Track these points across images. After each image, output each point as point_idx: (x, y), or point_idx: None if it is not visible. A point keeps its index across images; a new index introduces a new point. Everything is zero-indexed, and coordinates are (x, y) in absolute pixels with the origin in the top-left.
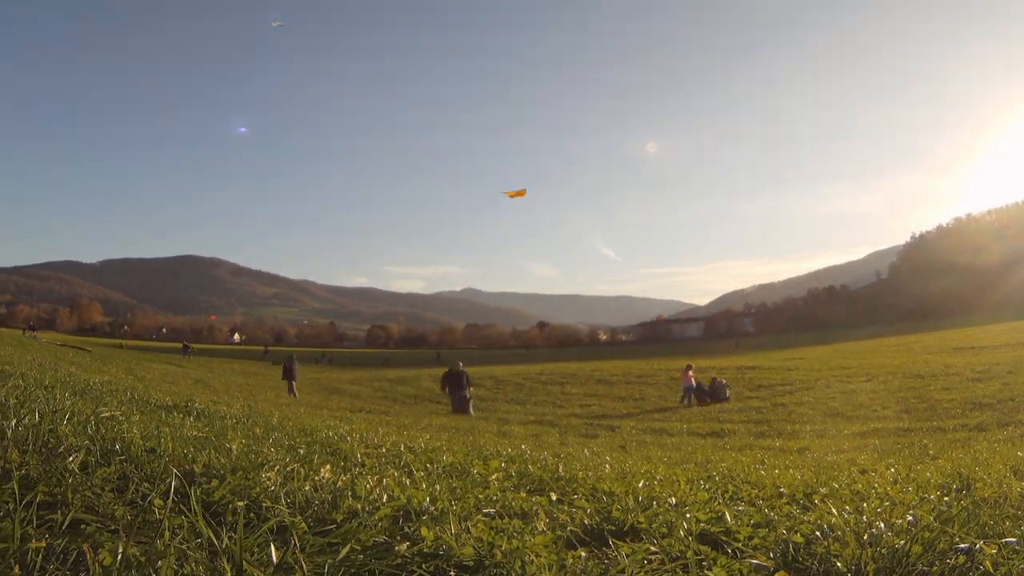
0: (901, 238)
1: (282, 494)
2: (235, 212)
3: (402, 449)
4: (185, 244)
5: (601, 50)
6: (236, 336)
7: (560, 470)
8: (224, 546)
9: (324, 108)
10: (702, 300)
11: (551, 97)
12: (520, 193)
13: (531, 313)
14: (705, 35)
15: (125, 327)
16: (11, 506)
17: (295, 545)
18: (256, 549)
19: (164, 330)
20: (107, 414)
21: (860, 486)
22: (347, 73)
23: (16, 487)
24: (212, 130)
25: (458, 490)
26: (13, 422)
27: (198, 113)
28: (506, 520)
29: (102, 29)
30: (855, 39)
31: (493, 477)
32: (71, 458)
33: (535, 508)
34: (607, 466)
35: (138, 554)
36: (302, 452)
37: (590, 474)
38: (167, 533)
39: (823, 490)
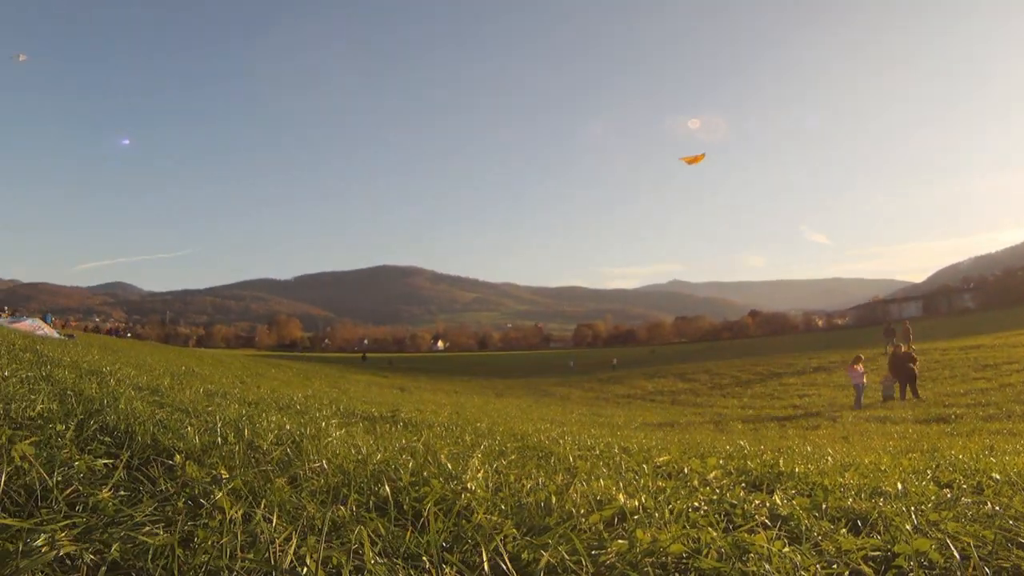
0: None
1: (495, 500)
2: (428, 221)
3: (616, 450)
4: (379, 255)
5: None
6: (440, 343)
7: (780, 465)
8: (433, 553)
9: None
10: (917, 277)
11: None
12: (698, 159)
13: (739, 302)
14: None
15: (326, 340)
16: (218, 518)
17: (505, 551)
18: (465, 555)
19: (366, 341)
20: (311, 429)
21: None
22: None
23: (226, 499)
24: (413, 145)
25: (669, 489)
26: (219, 439)
27: (387, 130)
28: (718, 517)
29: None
30: None
31: (712, 475)
32: (274, 470)
33: (753, 505)
34: (829, 459)
35: (343, 559)
36: (513, 458)
37: (811, 468)
38: (367, 543)
39: None
